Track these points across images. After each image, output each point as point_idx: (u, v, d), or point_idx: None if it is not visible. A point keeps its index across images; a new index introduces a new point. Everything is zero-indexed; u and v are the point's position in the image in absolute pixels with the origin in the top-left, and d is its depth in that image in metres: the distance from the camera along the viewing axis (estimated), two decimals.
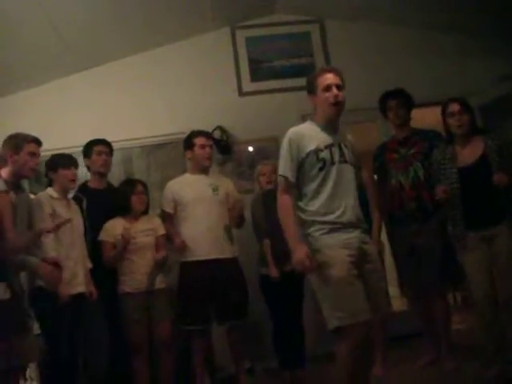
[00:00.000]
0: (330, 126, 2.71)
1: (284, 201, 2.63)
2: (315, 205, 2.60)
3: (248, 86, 4.85)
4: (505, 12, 4.25)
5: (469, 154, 3.33)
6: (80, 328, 3.28)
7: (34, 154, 3.19)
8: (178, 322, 3.69)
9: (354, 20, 4.92)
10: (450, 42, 4.87)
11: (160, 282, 3.66)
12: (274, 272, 3.71)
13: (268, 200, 3.90)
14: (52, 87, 4.67)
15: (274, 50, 4.90)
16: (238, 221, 3.94)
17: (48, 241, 3.21)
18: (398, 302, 4.55)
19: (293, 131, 2.69)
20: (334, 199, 2.59)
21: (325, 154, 2.62)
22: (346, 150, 2.69)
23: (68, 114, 4.56)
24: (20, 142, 3.15)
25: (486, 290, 3.24)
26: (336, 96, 2.65)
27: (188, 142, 3.92)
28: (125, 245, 3.56)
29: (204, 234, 3.72)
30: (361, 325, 2.43)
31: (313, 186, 2.62)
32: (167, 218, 3.84)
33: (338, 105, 2.66)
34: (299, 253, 2.48)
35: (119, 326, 3.56)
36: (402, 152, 3.76)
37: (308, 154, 2.62)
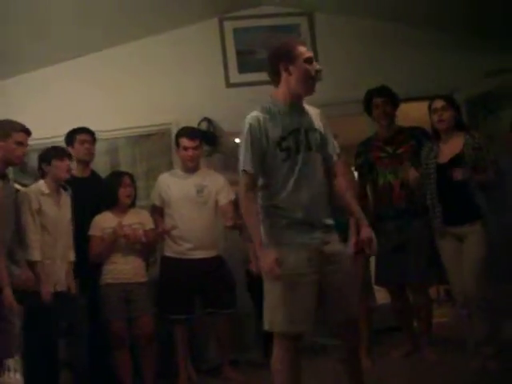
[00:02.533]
0: (297, 106, 2.42)
1: (248, 200, 2.32)
2: (280, 197, 2.33)
3: (235, 77, 4.82)
4: (487, 7, 4.27)
5: (448, 150, 3.36)
6: (62, 322, 3.28)
7: (22, 144, 3.17)
8: (160, 312, 3.69)
9: (342, 13, 4.89)
10: (438, 38, 4.86)
11: (142, 276, 3.66)
12: (254, 268, 3.72)
13: None
14: (36, 77, 4.62)
15: (261, 41, 4.88)
16: (231, 227, 3.78)
17: (33, 242, 3.20)
18: (382, 295, 4.57)
19: (254, 117, 2.37)
20: (297, 194, 2.31)
21: (288, 143, 2.32)
22: (313, 136, 2.39)
23: (53, 105, 4.52)
24: (8, 130, 3.12)
25: (461, 283, 3.28)
26: (317, 71, 2.39)
27: (176, 140, 3.90)
28: (115, 239, 3.54)
29: (186, 234, 3.74)
30: (293, 336, 2.30)
31: (275, 178, 2.34)
32: (156, 211, 3.85)
33: (315, 80, 2.40)
34: (268, 260, 2.22)
35: (101, 319, 3.55)
36: (388, 151, 3.74)
37: (271, 142, 2.32)
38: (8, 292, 2.88)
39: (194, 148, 3.84)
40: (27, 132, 3.20)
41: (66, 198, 3.50)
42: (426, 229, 3.55)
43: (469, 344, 3.33)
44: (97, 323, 3.54)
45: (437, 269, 3.58)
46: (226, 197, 3.86)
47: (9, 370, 3.34)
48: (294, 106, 2.41)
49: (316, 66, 2.41)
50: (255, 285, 3.80)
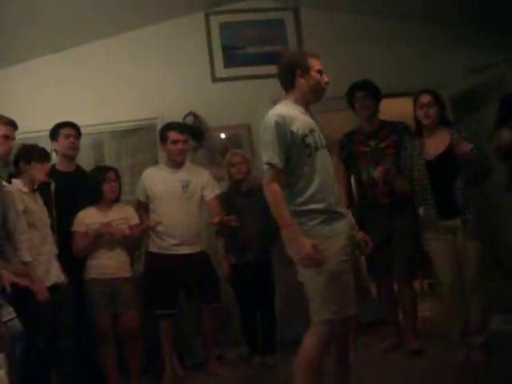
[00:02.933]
0: (307, 110, 2.58)
1: (274, 189, 2.38)
2: (307, 193, 2.41)
3: (221, 72, 4.82)
4: (472, 4, 4.30)
5: (435, 146, 3.38)
6: (54, 315, 3.27)
7: (8, 137, 3.13)
8: (146, 307, 3.69)
9: (327, 8, 4.91)
10: (422, 35, 4.89)
11: (127, 271, 3.64)
12: (225, 268, 3.88)
13: (231, 192, 4.00)
14: (19, 70, 4.57)
15: (247, 36, 4.88)
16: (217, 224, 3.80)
17: (22, 243, 3.15)
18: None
19: (278, 114, 2.43)
20: (324, 186, 2.43)
21: (310, 139, 2.44)
22: (322, 135, 2.55)
23: (37, 98, 4.47)
24: None
25: (451, 277, 3.33)
26: (326, 83, 2.59)
27: (162, 135, 3.87)
28: (98, 234, 3.52)
29: (170, 229, 3.73)
30: (344, 319, 2.38)
31: (302, 173, 2.42)
32: (141, 206, 3.83)
33: (324, 90, 2.60)
34: (306, 246, 2.29)
35: (86, 315, 3.54)
36: (371, 145, 3.76)
37: (296, 139, 2.41)
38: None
39: (183, 141, 3.83)
40: (13, 125, 3.16)
41: (39, 197, 3.44)
42: (410, 223, 3.58)
43: (453, 336, 3.36)
44: (82, 319, 3.52)
45: (421, 263, 3.62)
46: (211, 192, 3.87)
47: None
48: (307, 109, 2.59)
49: (325, 78, 2.59)
50: (237, 278, 3.86)
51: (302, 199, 2.41)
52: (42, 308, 3.18)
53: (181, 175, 3.83)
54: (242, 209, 3.82)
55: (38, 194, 3.43)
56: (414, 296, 3.82)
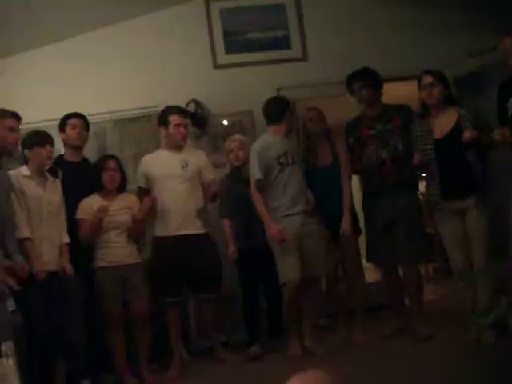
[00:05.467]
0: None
1: (257, 196, 3.62)
2: (275, 198, 3.62)
3: (222, 58, 4.79)
4: None
5: (442, 125, 3.38)
6: (56, 305, 3.29)
7: (13, 129, 3.15)
8: (153, 294, 3.71)
9: None
10: (425, 17, 4.84)
11: (136, 257, 3.67)
12: (231, 250, 3.89)
13: (233, 178, 4.01)
14: (22, 59, 4.56)
15: (248, 22, 4.83)
16: (211, 198, 3.91)
17: (21, 220, 3.20)
18: (371, 274, 4.62)
19: (258, 142, 3.73)
20: (285, 193, 3.61)
21: (283, 159, 3.59)
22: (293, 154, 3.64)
23: (39, 88, 4.46)
24: None
25: (461, 258, 3.35)
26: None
27: (162, 119, 3.86)
28: (99, 221, 3.53)
29: (173, 211, 3.74)
30: (293, 282, 3.48)
31: (273, 183, 3.61)
32: (142, 193, 3.83)
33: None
34: (274, 229, 3.55)
35: (95, 301, 3.57)
36: (378, 127, 3.75)
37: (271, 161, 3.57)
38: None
39: (185, 126, 3.87)
40: (17, 117, 3.18)
41: (53, 182, 3.47)
42: (417, 205, 3.57)
43: (467, 316, 3.39)
44: (91, 305, 3.55)
45: (427, 246, 3.63)
46: (209, 173, 3.89)
47: (0, 356, 3.35)
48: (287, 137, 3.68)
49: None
50: (242, 263, 3.88)
51: (275, 202, 3.63)
52: (40, 299, 3.20)
53: (180, 156, 3.84)
54: (243, 196, 3.79)
55: (50, 179, 3.45)
56: (420, 279, 3.83)
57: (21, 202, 3.26)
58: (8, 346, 3.26)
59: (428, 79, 3.40)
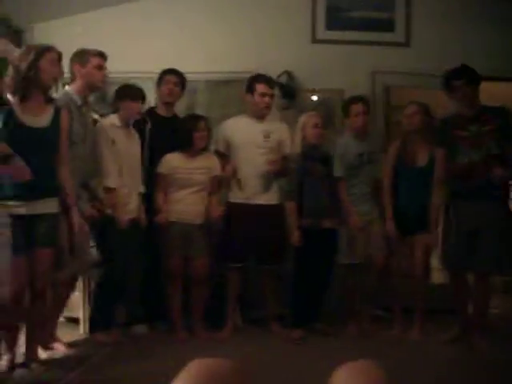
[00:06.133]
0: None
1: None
2: None
3: (322, 33, 4.69)
4: None
5: None
6: (129, 249, 3.46)
7: (101, 67, 3.32)
8: (218, 257, 3.78)
9: None
10: None
11: (203, 219, 3.73)
12: (295, 237, 3.68)
13: (304, 158, 3.79)
14: (120, 11, 4.65)
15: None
16: (282, 171, 3.84)
17: (110, 170, 3.40)
18: (438, 275, 4.49)
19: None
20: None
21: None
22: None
23: (138, 42, 4.53)
24: (86, 56, 3.28)
25: None
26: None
27: (249, 86, 3.87)
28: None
29: (251, 179, 3.78)
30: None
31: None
32: (221, 157, 3.88)
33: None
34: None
35: (159, 254, 3.69)
36: (472, 130, 3.56)
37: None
38: (75, 211, 3.01)
39: (271, 96, 3.85)
40: (103, 56, 3.33)
41: (134, 133, 3.60)
42: (504, 214, 3.42)
43: None
44: (155, 256, 3.68)
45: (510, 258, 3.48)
46: (287, 148, 3.87)
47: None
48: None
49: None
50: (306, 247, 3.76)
51: None
52: (120, 241, 3.37)
53: (263, 126, 3.85)
54: (315, 175, 3.73)
55: (133, 131, 3.59)
56: (490, 291, 3.69)
57: (112, 151, 3.41)
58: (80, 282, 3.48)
59: None
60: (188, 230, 3.66)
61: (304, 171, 3.74)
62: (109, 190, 3.41)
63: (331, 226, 3.76)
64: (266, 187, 3.80)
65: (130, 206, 3.50)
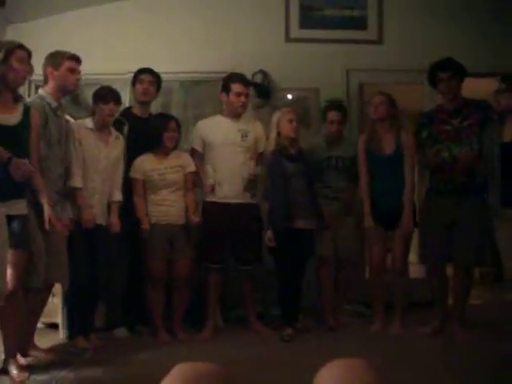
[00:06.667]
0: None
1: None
2: None
3: (296, 32, 4.72)
4: None
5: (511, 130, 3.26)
6: (97, 254, 3.42)
7: (74, 71, 3.25)
8: (197, 257, 3.76)
9: None
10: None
11: (184, 218, 3.71)
12: (268, 233, 3.65)
13: (278, 156, 3.72)
14: (98, 12, 4.62)
15: None
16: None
17: (75, 170, 3.34)
18: (416, 269, 4.54)
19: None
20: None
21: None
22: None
23: (114, 42, 4.53)
24: (59, 59, 3.21)
25: None
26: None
27: (225, 85, 3.85)
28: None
29: (227, 178, 3.77)
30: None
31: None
32: (196, 156, 3.86)
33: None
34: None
35: (139, 257, 3.66)
36: (454, 124, 3.61)
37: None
38: (47, 208, 2.91)
39: (246, 95, 3.84)
40: (77, 59, 3.27)
41: (116, 138, 3.56)
42: (483, 207, 3.48)
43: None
44: (135, 260, 3.66)
45: (490, 250, 3.53)
46: (262, 146, 3.87)
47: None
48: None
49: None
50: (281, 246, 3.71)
51: None
52: (89, 245, 3.34)
53: (239, 125, 3.85)
54: (290, 173, 3.68)
55: (114, 135, 3.55)
56: (470, 284, 3.75)
57: (77, 151, 3.38)
58: (55, 287, 3.42)
59: (501, 85, 3.29)
60: (170, 232, 3.64)
61: (275, 170, 3.69)
62: (74, 189, 3.36)
63: (303, 227, 3.69)
64: (245, 186, 3.79)
65: (96, 210, 3.43)
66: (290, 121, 3.73)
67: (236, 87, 3.80)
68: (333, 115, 3.93)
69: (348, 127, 4.26)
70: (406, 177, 3.74)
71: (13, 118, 2.82)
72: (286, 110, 3.91)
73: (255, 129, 3.91)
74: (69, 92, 3.38)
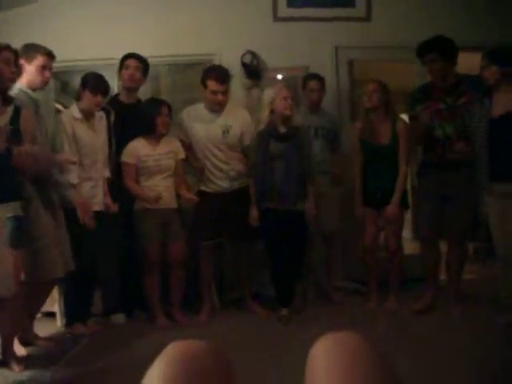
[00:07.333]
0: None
1: None
2: None
3: (283, 11, 4.65)
4: None
5: (501, 105, 3.25)
6: (96, 242, 3.43)
7: (45, 68, 3.18)
8: (189, 237, 3.78)
9: None
10: None
11: (176, 202, 3.72)
12: (253, 213, 3.67)
13: (266, 136, 3.66)
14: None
15: None
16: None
17: (70, 166, 3.29)
18: (410, 246, 4.57)
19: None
20: None
21: None
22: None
23: (96, 30, 4.44)
24: (32, 53, 3.14)
25: (506, 244, 3.25)
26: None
27: (202, 79, 3.74)
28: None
29: (214, 172, 3.77)
30: None
31: None
32: (184, 145, 3.83)
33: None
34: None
35: (134, 242, 3.67)
36: (448, 102, 3.58)
37: None
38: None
39: (223, 92, 3.69)
40: (51, 56, 3.21)
41: (100, 122, 3.54)
42: (472, 183, 3.49)
43: (501, 299, 3.34)
44: (130, 246, 3.67)
45: (477, 225, 3.57)
46: (248, 139, 3.81)
47: None
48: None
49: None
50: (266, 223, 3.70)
51: None
52: (86, 233, 3.33)
53: (221, 120, 3.76)
54: (275, 153, 3.61)
55: (97, 119, 3.53)
56: (464, 259, 3.78)
57: (71, 146, 3.34)
58: None
59: (483, 61, 3.27)
60: (164, 215, 3.64)
61: (259, 149, 3.63)
62: (71, 185, 3.34)
63: (288, 208, 3.61)
64: (231, 177, 3.77)
65: (96, 199, 3.45)
66: (285, 98, 3.60)
67: (211, 84, 3.67)
68: (313, 84, 4.02)
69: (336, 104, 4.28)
70: (401, 164, 3.75)
71: (0, 121, 2.77)
72: (280, 86, 3.82)
73: (240, 121, 3.79)
74: (37, 89, 3.26)
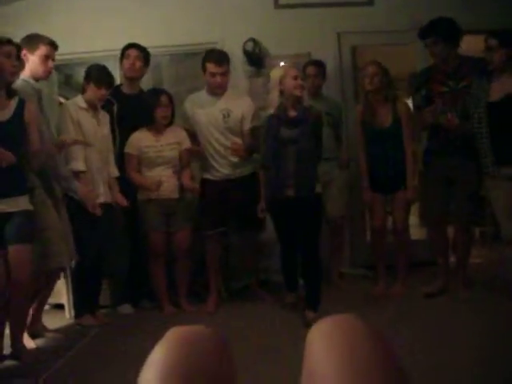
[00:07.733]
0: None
1: None
2: None
3: None
4: None
5: (500, 88, 3.24)
6: (102, 232, 3.43)
7: (48, 58, 3.18)
8: (196, 226, 3.79)
9: None
10: None
11: (179, 192, 3.72)
12: (261, 204, 3.54)
13: (275, 121, 3.38)
14: None
15: None
16: (248, 151, 3.76)
17: (77, 154, 3.32)
18: (416, 231, 4.57)
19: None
20: None
21: None
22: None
23: (100, 18, 4.44)
24: (35, 43, 3.14)
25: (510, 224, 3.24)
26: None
27: (202, 63, 3.73)
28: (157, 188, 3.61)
29: (216, 159, 3.74)
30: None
31: None
32: (189, 133, 3.81)
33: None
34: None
35: (139, 232, 3.69)
36: (451, 85, 3.55)
37: None
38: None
39: (222, 74, 3.67)
40: (54, 45, 3.20)
41: (104, 115, 3.54)
42: (474, 167, 3.47)
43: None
44: (136, 236, 3.69)
45: (481, 209, 3.55)
46: (247, 123, 3.76)
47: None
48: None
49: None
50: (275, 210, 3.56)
51: None
52: (92, 224, 3.35)
53: (222, 104, 3.74)
54: (286, 140, 3.33)
55: (101, 113, 3.54)
56: (470, 243, 3.76)
57: (78, 133, 3.34)
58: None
59: (492, 42, 3.23)
60: (167, 205, 3.65)
61: (269, 137, 3.37)
62: (78, 173, 3.35)
63: (300, 194, 3.33)
64: (233, 164, 3.74)
65: (99, 190, 3.46)
66: (295, 77, 3.33)
67: (210, 67, 3.65)
68: (310, 70, 4.03)
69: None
70: (406, 148, 3.70)
71: (4, 114, 2.79)
72: (288, 66, 3.76)
73: (241, 106, 3.75)
74: (39, 79, 3.25)
